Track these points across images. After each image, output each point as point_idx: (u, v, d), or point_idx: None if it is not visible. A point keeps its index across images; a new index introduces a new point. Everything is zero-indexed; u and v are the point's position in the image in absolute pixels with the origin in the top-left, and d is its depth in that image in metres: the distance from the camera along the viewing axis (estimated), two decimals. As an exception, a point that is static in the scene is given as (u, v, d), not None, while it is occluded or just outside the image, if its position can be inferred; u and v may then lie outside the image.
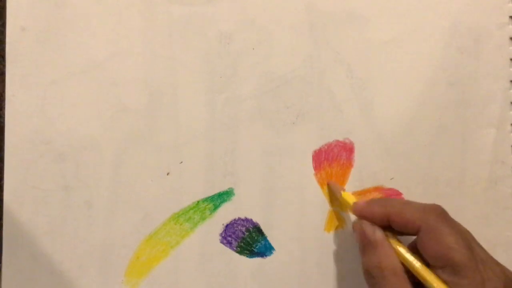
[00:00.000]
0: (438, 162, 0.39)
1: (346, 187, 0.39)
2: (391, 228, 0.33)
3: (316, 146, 0.39)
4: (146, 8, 0.39)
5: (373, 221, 0.33)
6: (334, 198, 0.38)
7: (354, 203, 0.35)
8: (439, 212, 0.32)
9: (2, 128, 0.38)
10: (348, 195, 0.36)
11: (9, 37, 0.38)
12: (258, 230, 0.38)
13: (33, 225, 0.38)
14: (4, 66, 0.38)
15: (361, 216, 0.34)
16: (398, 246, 0.32)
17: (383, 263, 0.31)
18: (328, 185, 0.39)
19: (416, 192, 0.39)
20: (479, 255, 0.30)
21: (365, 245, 0.33)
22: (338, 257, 0.38)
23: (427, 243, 0.30)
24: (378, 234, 0.33)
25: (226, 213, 0.38)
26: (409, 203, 0.33)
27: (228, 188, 0.38)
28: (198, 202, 0.38)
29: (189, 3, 0.39)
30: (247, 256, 0.38)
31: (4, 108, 0.38)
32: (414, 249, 0.32)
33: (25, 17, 0.38)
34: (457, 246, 0.29)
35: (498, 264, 0.30)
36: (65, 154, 0.38)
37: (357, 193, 0.39)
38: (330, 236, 0.39)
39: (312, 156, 0.39)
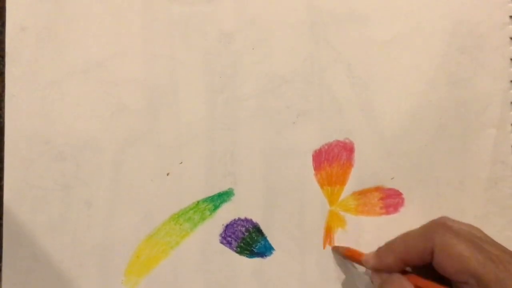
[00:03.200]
0: (439, 162, 0.39)
1: (347, 187, 0.39)
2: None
3: (316, 146, 0.39)
4: (146, 7, 0.39)
5: (393, 271, 0.32)
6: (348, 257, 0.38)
7: (364, 260, 0.34)
8: (441, 225, 0.31)
9: (2, 127, 0.38)
10: (353, 251, 0.36)
11: (9, 36, 0.38)
12: (258, 230, 0.38)
13: (33, 224, 0.38)
14: (3, 65, 0.38)
15: (380, 270, 0.33)
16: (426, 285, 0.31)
17: None
18: (334, 250, 0.38)
19: (416, 192, 0.39)
20: (492, 253, 0.29)
21: None
22: (338, 257, 0.38)
23: (443, 262, 0.29)
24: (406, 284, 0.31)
25: (226, 214, 0.38)
26: (409, 234, 0.32)
27: (228, 188, 0.38)
28: (198, 202, 0.38)
29: (189, 3, 0.39)
30: (247, 256, 0.38)
31: (4, 107, 0.38)
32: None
33: (25, 16, 0.38)
34: (469, 253, 0.28)
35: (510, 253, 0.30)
36: (65, 153, 0.38)
37: (358, 193, 0.39)
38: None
39: (312, 156, 0.39)
